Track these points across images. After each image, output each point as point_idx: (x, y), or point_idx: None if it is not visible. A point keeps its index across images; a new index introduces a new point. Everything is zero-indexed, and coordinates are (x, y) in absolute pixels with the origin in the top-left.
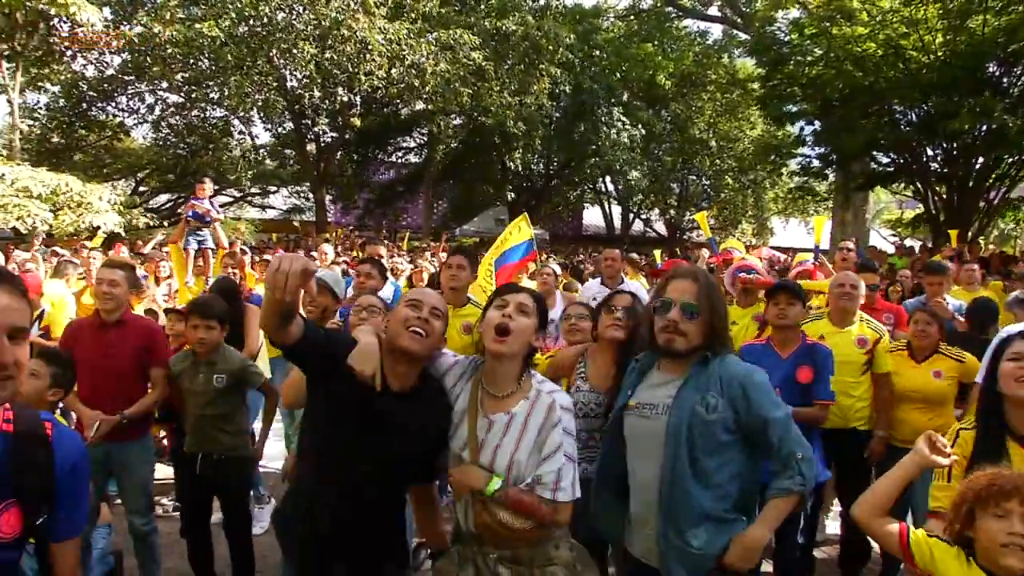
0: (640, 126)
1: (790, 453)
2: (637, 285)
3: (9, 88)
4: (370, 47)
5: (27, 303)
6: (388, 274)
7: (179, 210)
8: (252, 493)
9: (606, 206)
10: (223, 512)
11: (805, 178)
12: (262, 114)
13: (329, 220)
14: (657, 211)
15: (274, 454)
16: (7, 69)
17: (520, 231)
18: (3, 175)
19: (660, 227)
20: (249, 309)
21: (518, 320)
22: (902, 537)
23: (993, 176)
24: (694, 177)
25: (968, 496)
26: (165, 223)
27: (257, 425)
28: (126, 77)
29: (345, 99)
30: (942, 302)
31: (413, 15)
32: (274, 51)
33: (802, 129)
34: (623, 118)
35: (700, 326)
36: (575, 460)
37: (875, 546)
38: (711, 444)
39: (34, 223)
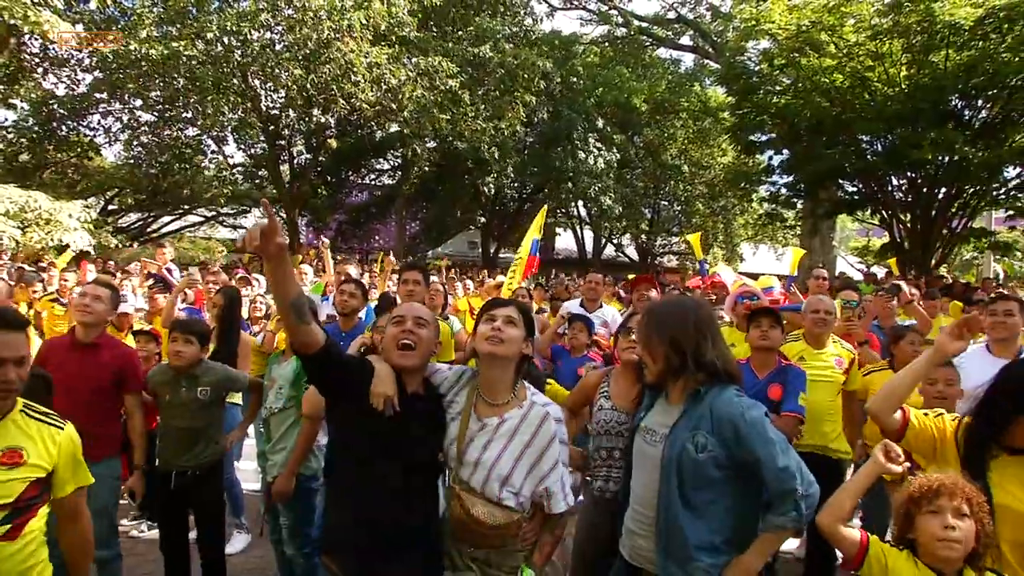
0: (615, 149)
1: (790, 490)
2: (612, 311)
3: None
4: (354, 69)
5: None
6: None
7: (148, 229)
8: (232, 519)
9: (578, 230)
10: (197, 526)
11: (774, 205)
12: (236, 134)
13: (301, 241)
14: (629, 236)
15: (249, 474)
16: None
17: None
18: None
19: (632, 252)
20: (244, 339)
21: (507, 331)
22: (862, 544)
23: (955, 205)
24: (666, 202)
25: (905, 500)
26: (135, 243)
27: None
28: (98, 95)
29: (321, 120)
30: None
31: (392, 38)
32: (252, 71)
33: (771, 157)
34: (598, 144)
35: (649, 353)
36: (567, 466)
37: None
38: (701, 480)
39: (1, 239)
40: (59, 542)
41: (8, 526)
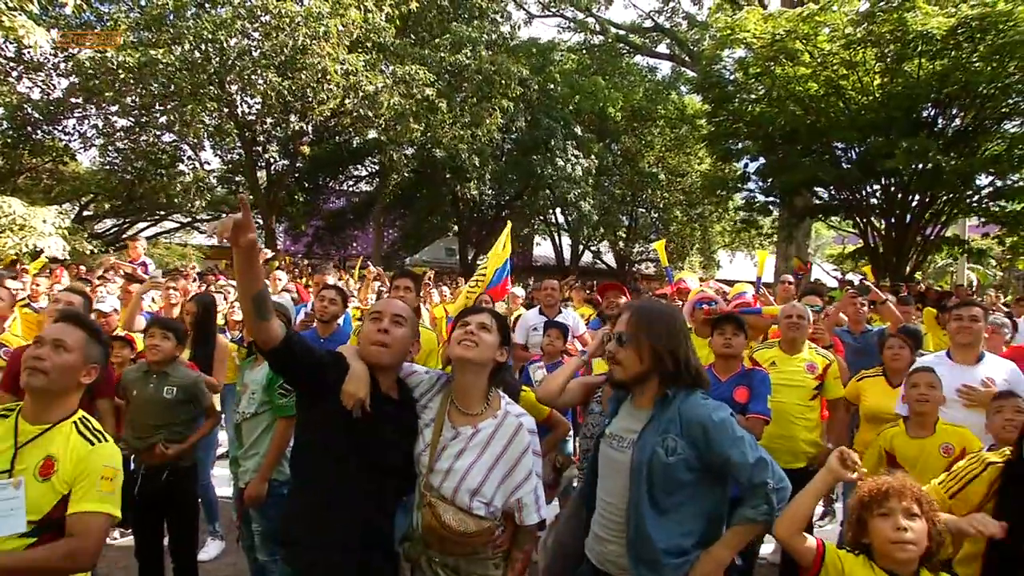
0: (592, 156)
1: (761, 483)
2: (574, 315)
3: None
4: (328, 76)
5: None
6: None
7: (124, 236)
8: (208, 526)
9: (556, 238)
10: (169, 532)
11: (750, 212)
12: (213, 140)
13: (278, 248)
14: (607, 243)
15: (221, 480)
16: None
17: (504, 250)
18: None
19: (610, 259)
20: (220, 342)
21: (480, 336)
22: (818, 552)
23: (929, 213)
24: (643, 210)
25: (856, 504)
26: (110, 249)
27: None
28: (74, 100)
29: (297, 127)
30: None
31: (368, 45)
32: (229, 78)
33: (746, 165)
34: (576, 152)
35: (634, 353)
36: (540, 477)
37: None
38: (671, 484)
39: None
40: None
41: (34, 539)
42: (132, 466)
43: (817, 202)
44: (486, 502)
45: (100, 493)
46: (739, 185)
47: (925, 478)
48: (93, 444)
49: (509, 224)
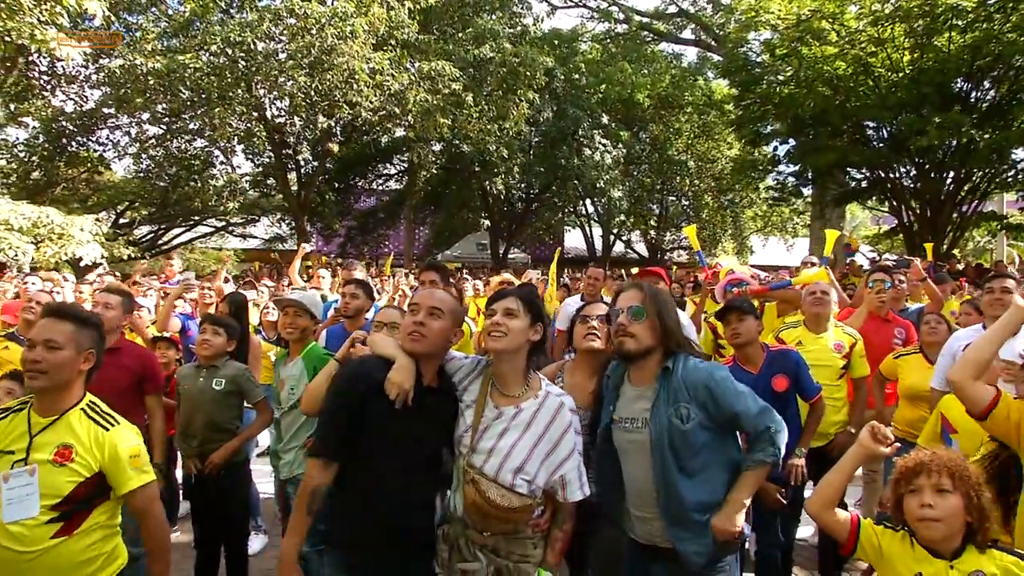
0: (620, 145)
1: (764, 429)
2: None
3: None
4: (356, 76)
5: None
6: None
7: (160, 241)
8: (251, 521)
9: (587, 228)
10: (221, 524)
11: (781, 196)
12: (243, 144)
13: (310, 249)
14: (638, 232)
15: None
16: None
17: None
18: None
19: (641, 248)
20: (254, 342)
21: (507, 323)
22: (852, 527)
23: (964, 190)
24: (674, 197)
25: (892, 481)
26: (146, 254)
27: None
28: (106, 110)
29: (325, 127)
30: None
31: (392, 43)
32: (257, 80)
33: (776, 148)
34: (604, 140)
35: (648, 326)
36: (582, 455)
37: None
38: (694, 447)
39: (15, 255)
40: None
41: (60, 524)
42: (180, 464)
43: (849, 183)
44: (529, 479)
45: (136, 472)
46: (769, 168)
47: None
48: (108, 428)
49: (559, 251)
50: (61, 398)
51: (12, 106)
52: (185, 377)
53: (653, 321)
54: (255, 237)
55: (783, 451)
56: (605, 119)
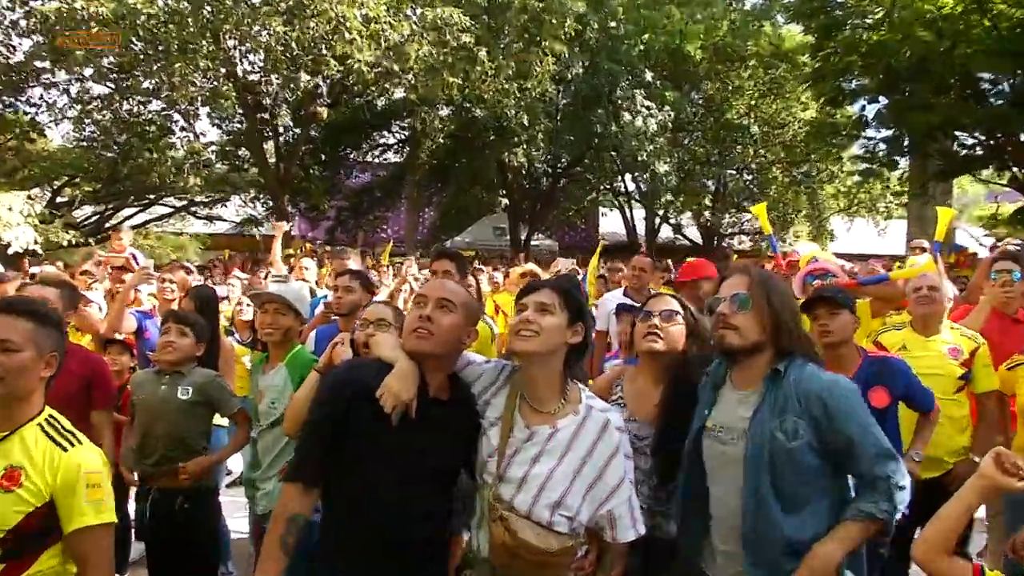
0: (667, 108)
1: (884, 477)
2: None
3: None
4: (347, 23)
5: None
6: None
7: (107, 225)
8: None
9: (627, 210)
10: (184, 570)
11: (870, 167)
12: (209, 107)
13: (293, 234)
14: (689, 214)
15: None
16: None
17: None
18: None
19: (693, 233)
20: (225, 345)
21: (539, 320)
22: None
23: None
24: (733, 171)
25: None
26: (91, 240)
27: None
28: (39, 64)
29: (310, 86)
30: None
31: None
32: (225, 29)
33: (863, 108)
34: (647, 102)
35: (755, 318)
36: (633, 482)
37: None
38: (799, 472)
39: None
40: None
41: (3, 564)
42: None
43: (959, 151)
44: (570, 515)
45: (92, 504)
46: (854, 134)
47: None
48: (66, 449)
49: (601, 243)
50: (16, 411)
51: None
52: (142, 384)
53: (762, 312)
54: (223, 220)
55: (898, 513)
56: (648, 76)
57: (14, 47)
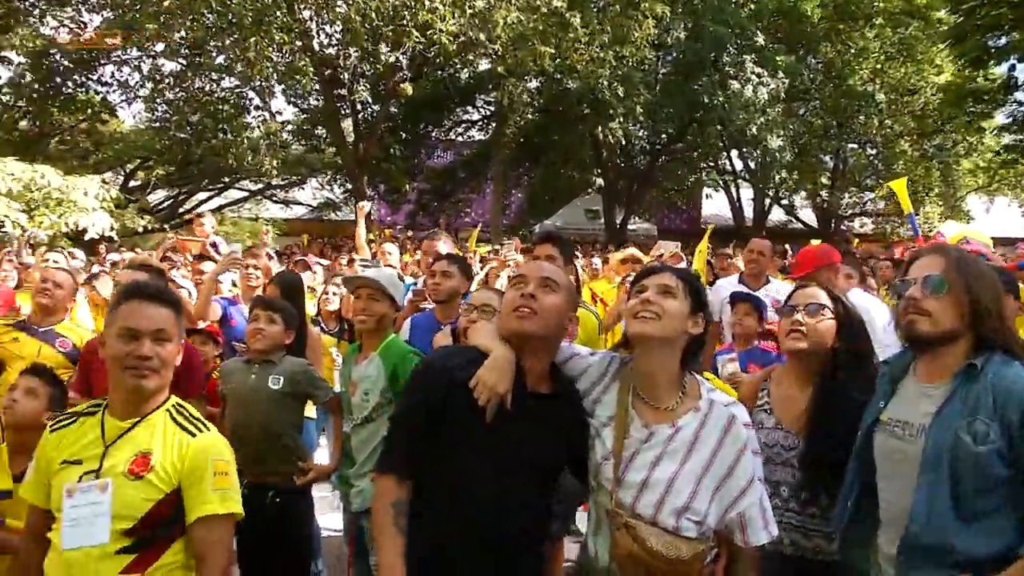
0: (780, 75)
1: None
2: (785, 287)
3: None
4: None
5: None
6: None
7: (181, 210)
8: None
9: (733, 189)
10: (277, 570)
11: (1019, 139)
12: (285, 83)
13: (372, 219)
14: (803, 194)
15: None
16: None
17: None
18: None
19: (807, 215)
20: (312, 335)
21: (661, 303)
22: None
23: None
24: (854, 145)
25: None
26: (166, 226)
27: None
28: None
29: (391, 60)
30: None
31: None
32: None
33: (1012, 68)
34: (758, 69)
35: (950, 304)
36: (763, 480)
37: None
38: (982, 479)
39: (3, 225)
40: None
41: (132, 556)
42: None
43: None
44: (698, 520)
45: (218, 492)
46: (1000, 99)
47: None
48: (195, 435)
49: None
50: (150, 400)
51: None
52: (231, 374)
53: (959, 297)
54: (300, 203)
55: None
56: (760, 39)
57: (84, 23)
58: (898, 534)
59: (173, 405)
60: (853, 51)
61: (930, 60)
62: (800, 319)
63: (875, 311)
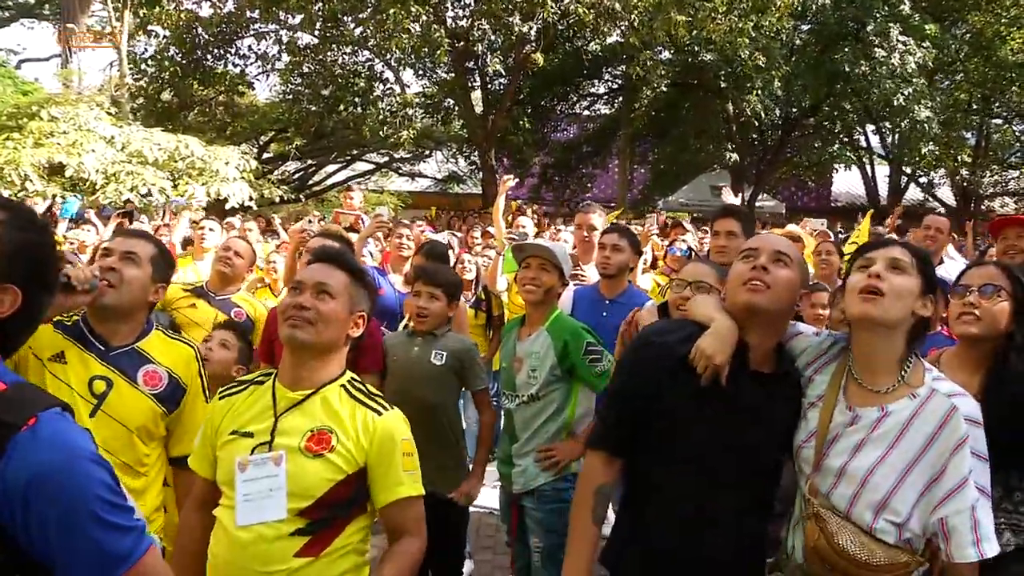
0: (926, 44)
1: None
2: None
3: (116, 32)
4: None
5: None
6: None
7: (310, 182)
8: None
9: (868, 165)
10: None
11: None
12: (417, 56)
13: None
14: (942, 171)
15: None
16: (113, 10)
17: None
18: (112, 138)
19: (945, 193)
20: (460, 309)
21: (892, 280)
22: None
23: None
24: (1000, 120)
25: None
26: (301, 196)
27: None
28: (249, 14)
29: (524, 29)
30: None
31: None
32: None
33: None
34: (903, 37)
35: None
36: (989, 496)
37: None
38: None
39: (149, 193)
40: None
41: (307, 538)
42: None
43: None
44: (897, 522)
45: (409, 474)
46: None
47: None
48: (380, 413)
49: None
50: (320, 367)
51: (142, 12)
52: (395, 346)
53: None
54: (424, 176)
55: None
56: (907, 6)
57: None
58: None
59: (349, 380)
60: (1005, 20)
61: None
62: (973, 300)
63: None
